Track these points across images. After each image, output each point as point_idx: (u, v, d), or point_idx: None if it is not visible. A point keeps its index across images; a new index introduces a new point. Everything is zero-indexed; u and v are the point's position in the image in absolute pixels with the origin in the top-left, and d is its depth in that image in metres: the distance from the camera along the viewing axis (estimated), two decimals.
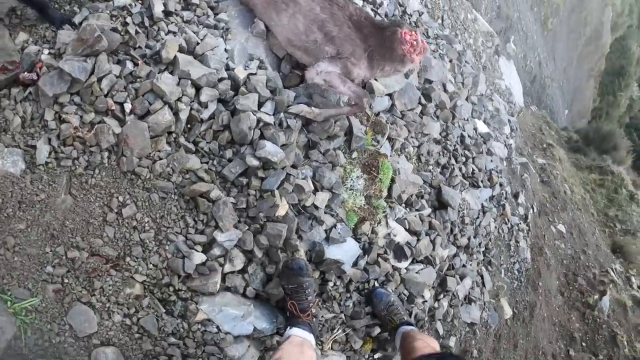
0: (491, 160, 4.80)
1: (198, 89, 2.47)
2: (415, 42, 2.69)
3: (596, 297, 5.55)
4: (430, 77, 4.15)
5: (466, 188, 4.13)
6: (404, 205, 3.26)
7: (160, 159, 2.37)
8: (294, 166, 2.63)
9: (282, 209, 2.48)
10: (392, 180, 3.12)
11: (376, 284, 2.97)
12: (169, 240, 2.36)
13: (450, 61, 4.98)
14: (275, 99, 2.61)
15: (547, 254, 5.75)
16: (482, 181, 4.42)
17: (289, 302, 2.48)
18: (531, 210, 5.84)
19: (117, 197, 2.33)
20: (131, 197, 2.35)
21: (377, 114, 3.22)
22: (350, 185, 2.84)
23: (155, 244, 2.36)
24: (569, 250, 6.21)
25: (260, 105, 2.58)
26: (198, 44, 2.57)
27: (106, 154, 2.31)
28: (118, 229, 2.32)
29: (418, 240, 3.23)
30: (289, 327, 2.42)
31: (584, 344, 5.20)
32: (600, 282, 5.84)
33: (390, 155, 3.22)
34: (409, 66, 2.74)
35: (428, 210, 3.41)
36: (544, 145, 8.51)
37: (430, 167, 3.72)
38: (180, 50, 2.49)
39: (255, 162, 2.44)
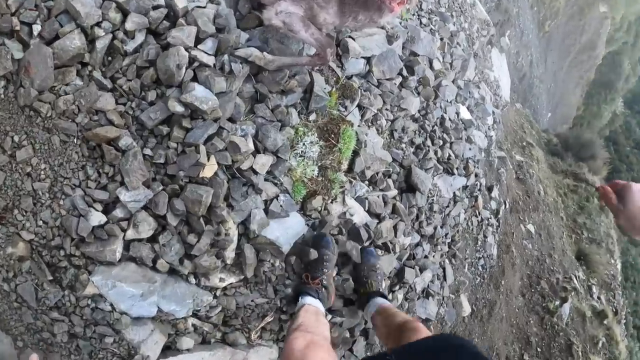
0: (470, 149, 4.37)
1: (126, 14, 1.94)
2: None
3: (557, 303, 5.22)
4: (417, 50, 3.67)
5: (439, 173, 3.69)
6: (367, 182, 2.79)
7: (67, 94, 1.85)
8: (231, 119, 2.09)
9: (209, 170, 1.96)
10: (356, 153, 2.64)
11: None
12: (65, 194, 1.89)
13: (442, 39, 4.50)
14: (220, 37, 2.06)
15: (514, 253, 5.38)
16: (457, 168, 3.99)
17: (303, 274, 2.39)
18: (503, 206, 5.46)
19: (12, 137, 1.85)
20: (28, 138, 1.86)
21: (350, 77, 2.74)
22: (302, 151, 2.32)
23: (50, 197, 1.89)
24: (535, 252, 5.86)
25: (200, 42, 2.03)
26: None
27: (2, 82, 1.82)
28: (10, 175, 1.85)
29: (379, 222, 2.79)
30: (300, 296, 2.31)
31: (539, 349, 4.86)
32: (562, 288, 5.51)
33: (359, 125, 2.74)
34: (387, 17, 2.15)
35: (394, 192, 2.96)
36: (524, 144, 8.15)
37: (404, 145, 3.26)
38: None
39: (179, 108, 1.91)
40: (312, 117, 2.43)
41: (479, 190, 4.70)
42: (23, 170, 1.86)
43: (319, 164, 2.41)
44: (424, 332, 2.04)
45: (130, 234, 1.93)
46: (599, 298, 6.43)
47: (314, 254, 2.35)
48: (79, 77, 1.88)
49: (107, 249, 1.89)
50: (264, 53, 2.14)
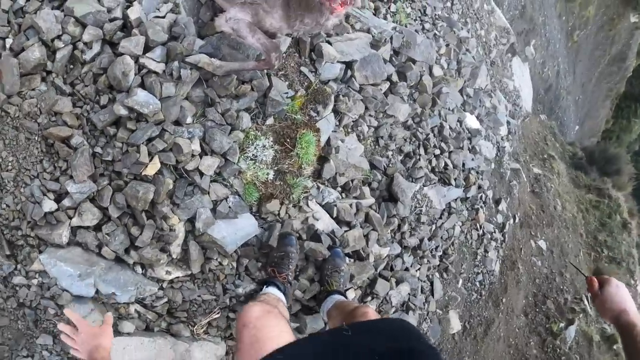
0: (473, 159, 4.15)
1: (86, 27, 2.10)
2: None
3: (562, 325, 4.91)
4: (414, 56, 3.50)
5: (432, 183, 3.50)
6: (339, 189, 2.64)
7: (31, 97, 2.09)
8: (177, 122, 2.15)
9: (151, 168, 2.03)
10: (325, 159, 2.50)
11: None
12: (25, 183, 2.11)
13: (447, 45, 4.31)
14: (168, 45, 2.14)
15: (520, 269, 5.11)
16: (455, 179, 3.78)
17: (269, 269, 2.39)
18: (511, 220, 5.19)
19: None
20: (0, 135, 2.11)
21: (327, 82, 2.59)
22: (253, 155, 2.24)
23: (14, 185, 2.13)
24: (544, 270, 5.56)
25: (149, 50, 2.13)
26: None
27: None
28: None
29: (347, 231, 2.63)
30: (265, 286, 2.34)
31: None
32: (570, 309, 5.19)
33: (334, 131, 2.60)
34: (331, 20, 2.01)
35: (370, 201, 2.79)
36: (545, 156, 7.79)
37: (390, 153, 3.09)
38: None
39: (123, 112, 2.04)
40: (269, 121, 2.35)
41: (483, 202, 4.47)
42: None
43: (275, 168, 2.29)
44: (375, 316, 2.02)
45: (76, 221, 2.10)
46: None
47: (279, 249, 2.37)
48: (44, 82, 2.10)
49: (55, 232, 2.08)
50: (213, 59, 2.16)
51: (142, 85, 2.08)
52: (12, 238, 2.14)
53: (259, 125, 2.28)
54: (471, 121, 4.44)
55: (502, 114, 5.44)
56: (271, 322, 1.67)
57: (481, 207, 4.37)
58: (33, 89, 2.07)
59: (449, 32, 4.36)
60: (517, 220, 5.42)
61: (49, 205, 2.06)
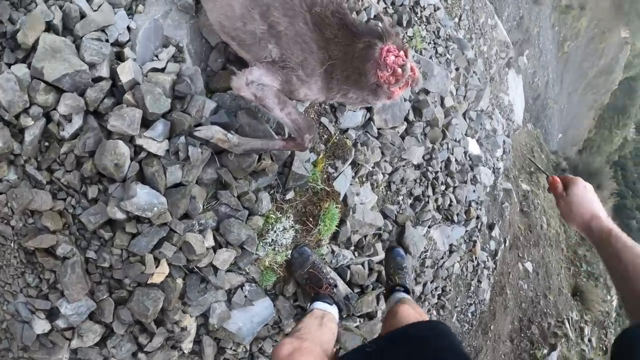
0: (474, 191, 3.94)
1: (62, 93, 1.54)
2: (401, 70, 1.62)
3: (545, 351, 4.82)
4: (429, 87, 3.23)
5: (437, 223, 3.28)
6: (352, 248, 2.39)
7: (1, 193, 1.53)
8: (187, 215, 1.72)
9: (158, 277, 1.63)
10: (342, 221, 2.24)
11: None
12: (7, 300, 1.64)
13: (457, 69, 4.04)
14: (173, 117, 1.64)
15: (508, 294, 4.98)
16: (457, 214, 3.57)
17: (307, 286, 2.14)
18: (503, 245, 5.04)
19: None
20: None
21: (345, 131, 2.31)
22: (272, 240, 1.92)
23: None
24: (530, 292, 5.44)
25: (148, 125, 1.61)
26: (83, 17, 1.56)
27: None
28: None
29: (361, 295, 2.39)
30: (311, 303, 2.08)
31: None
32: (553, 334, 5.10)
33: (351, 184, 2.33)
34: (383, 101, 1.71)
35: (381, 256, 2.56)
36: (532, 169, 7.67)
37: (401, 198, 2.84)
38: (51, 29, 1.53)
39: (120, 215, 1.58)
40: (290, 195, 2.00)
41: (479, 230, 4.28)
42: None
43: (293, 246, 1.99)
44: (413, 317, 1.86)
45: (75, 343, 1.69)
46: (589, 340, 6.03)
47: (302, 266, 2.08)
48: (13, 169, 1.54)
49: (53, 357, 1.66)
50: (229, 134, 1.69)
51: (141, 176, 1.62)
52: None
53: (279, 204, 1.95)
54: (473, 147, 4.22)
55: (500, 136, 5.25)
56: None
57: (477, 238, 4.19)
58: (0, 181, 1.53)
59: (460, 55, 4.10)
60: (507, 243, 5.27)
61: (41, 326, 1.63)
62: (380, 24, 1.67)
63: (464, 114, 4.19)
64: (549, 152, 9.82)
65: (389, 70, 1.61)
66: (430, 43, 3.73)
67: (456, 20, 4.62)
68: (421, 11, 3.55)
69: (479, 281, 4.28)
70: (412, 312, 1.91)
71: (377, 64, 1.61)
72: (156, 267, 1.65)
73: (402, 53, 1.63)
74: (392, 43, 1.62)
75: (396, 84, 1.58)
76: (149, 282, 1.66)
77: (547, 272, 6.03)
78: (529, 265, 5.61)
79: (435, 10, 3.76)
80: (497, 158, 5.23)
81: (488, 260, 4.49)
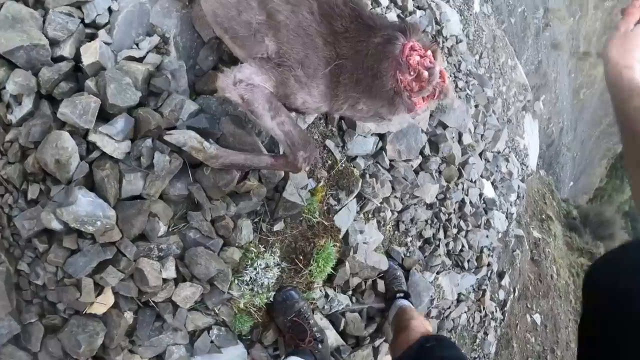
0: (487, 236, 3.64)
1: (13, 69, 1.29)
2: (427, 74, 1.26)
3: None
4: (447, 122, 2.97)
5: (446, 269, 2.97)
6: (350, 293, 2.08)
7: None
8: (143, 237, 1.40)
9: (100, 307, 1.31)
10: (340, 261, 1.94)
11: None
12: None
13: (476, 106, 3.79)
14: (138, 113, 1.34)
15: (514, 348, 4.61)
16: (468, 261, 3.26)
17: (287, 335, 1.82)
18: (512, 295, 4.69)
19: None
20: None
21: (353, 159, 2.03)
22: (251, 278, 1.60)
23: None
24: (537, 347, 5.07)
25: (107, 119, 1.33)
26: None
27: None
28: None
29: (354, 349, 2.07)
30: (284, 357, 1.76)
31: None
32: None
33: (355, 220, 2.05)
34: (402, 115, 1.34)
35: (382, 305, 2.24)
36: (543, 216, 7.35)
37: (409, 240, 2.54)
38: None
39: (55, 225, 1.27)
40: (279, 226, 1.68)
41: (489, 279, 3.96)
42: None
43: (277, 287, 1.68)
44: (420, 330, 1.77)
45: None
46: None
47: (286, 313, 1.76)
48: None
49: None
50: (206, 142, 1.38)
51: (91, 181, 1.32)
52: None
53: (263, 235, 1.63)
54: (488, 190, 3.94)
55: (515, 180, 4.96)
56: None
57: (487, 286, 3.86)
58: None
59: (481, 92, 3.85)
60: (516, 293, 4.93)
61: None
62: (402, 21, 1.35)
63: (480, 154, 3.91)
64: (560, 200, 9.51)
65: (412, 73, 1.28)
66: (450, 76, 3.49)
67: (477, 57, 4.41)
68: (443, 41, 3.33)
69: (486, 333, 3.93)
70: (419, 324, 1.84)
71: (398, 63, 1.27)
72: (97, 295, 1.34)
73: (429, 53, 1.31)
74: (418, 40, 1.30)
75: (420, 92, 1.24)
76: (87, 311, 1.34)
77: (556, 325, 5.65)
78: (537, 317, 5.25)
79: (457, 43, 3.54)
80: (511, 203, 4.94)
81: (496, 311, 4.15)
